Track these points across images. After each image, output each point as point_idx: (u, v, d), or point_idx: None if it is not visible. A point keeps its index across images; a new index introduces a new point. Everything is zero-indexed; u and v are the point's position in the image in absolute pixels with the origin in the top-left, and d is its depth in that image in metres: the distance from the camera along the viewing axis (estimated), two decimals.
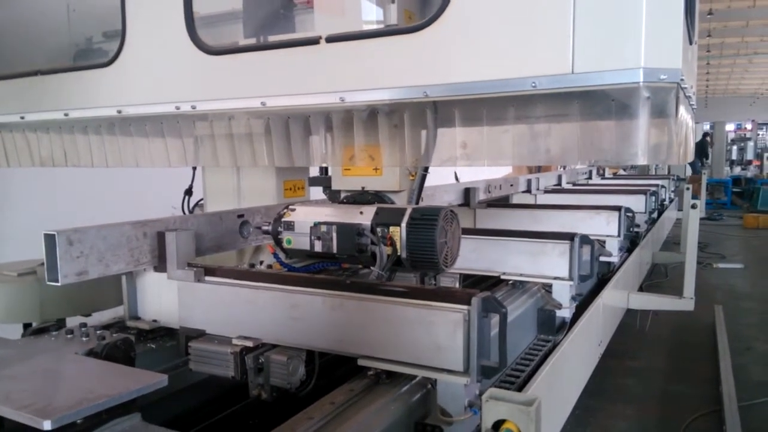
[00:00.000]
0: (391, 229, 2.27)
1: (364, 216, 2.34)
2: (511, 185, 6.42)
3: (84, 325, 2.12)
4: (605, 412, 4.52)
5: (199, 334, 2.28)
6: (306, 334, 2.10)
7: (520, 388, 2.56)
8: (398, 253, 2.27)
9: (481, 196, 5.29)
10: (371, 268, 2.30)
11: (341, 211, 2.46)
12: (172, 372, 2.00)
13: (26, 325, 2.60)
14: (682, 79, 1.74)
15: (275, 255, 2.52)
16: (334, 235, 2.34)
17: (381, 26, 2.39)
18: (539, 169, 9.06)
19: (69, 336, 2.07)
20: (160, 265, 2.39)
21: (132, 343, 2.10)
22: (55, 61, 3.31)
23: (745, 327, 6.53)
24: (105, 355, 1.95)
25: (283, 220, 2.50)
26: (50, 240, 2.03)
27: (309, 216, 2.45)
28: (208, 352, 2.17)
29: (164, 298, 2.43)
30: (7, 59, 3.27)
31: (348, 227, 2.33)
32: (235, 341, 2.12)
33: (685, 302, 5.27)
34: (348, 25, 2.40)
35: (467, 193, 5.11)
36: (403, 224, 2.26)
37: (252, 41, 2.73)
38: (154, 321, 2.47)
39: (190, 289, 2.32)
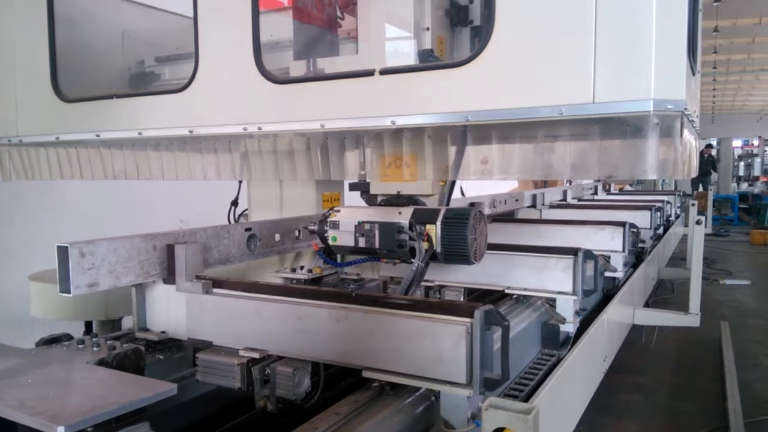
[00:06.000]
0: (428, 226, 2.57)
1: (402, 216, 2.64)
2: (516, 200, 6.42)
3: (95, 335, 2.16)
4: (610, 428, 4.50)
5: (207, 346, 2.33)
6: (311, 346, 2.13)
7: (524, 402, 2.57)
8: (434, 248, 2.55)
9: (486, 211, 5.31)
10: (412, 260, 2.60)
11: (381, 212, 2.76)
12: (179, 383, 2.03)
13: (87, 323, 3.07)
14: (685, 108, 1.99)
15: (319, 253, 2.85)
16: (377, 232, 2.65)
17: (420, 52, 2.73)
18: (545, 184, 9.09)
19: (80, 346, 2.11)
20: (169, 278, 2.44)
21: (142, 353, 2.14)
22: (121, 84, 3.76)
23: (752, 344, 6.49)
24: (116, 364, 1.99)
25: (329, 220, 2.80)
26: (63, 252, 2.08)
27: (353, 216, 2.75)
28: (215, 363, 2.21)
29: (173, 309, 2.47)
30: (74, 82, 3.51)
31: (389, 225, 2.62)
32: (241, 353, 2.17)
33: (691, 318, 5.25)
34: (390, 54, 2.76)
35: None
36: (438, 222, 2.56)
37: (311, 72, 3.00)
38: (163, 332, 2.51)
39: (198, 301, 2.37)
